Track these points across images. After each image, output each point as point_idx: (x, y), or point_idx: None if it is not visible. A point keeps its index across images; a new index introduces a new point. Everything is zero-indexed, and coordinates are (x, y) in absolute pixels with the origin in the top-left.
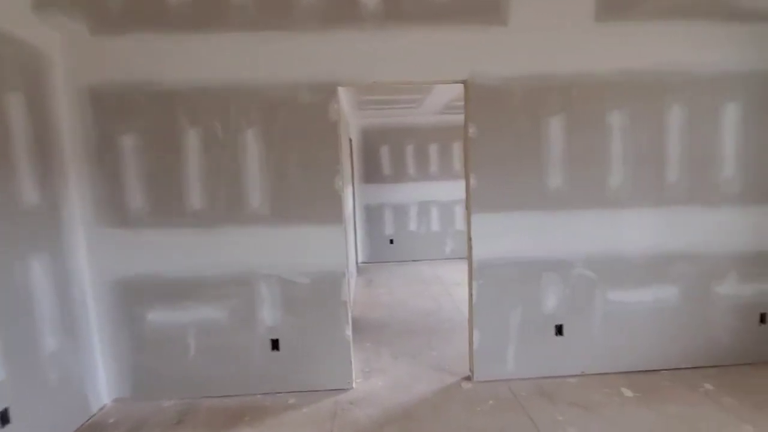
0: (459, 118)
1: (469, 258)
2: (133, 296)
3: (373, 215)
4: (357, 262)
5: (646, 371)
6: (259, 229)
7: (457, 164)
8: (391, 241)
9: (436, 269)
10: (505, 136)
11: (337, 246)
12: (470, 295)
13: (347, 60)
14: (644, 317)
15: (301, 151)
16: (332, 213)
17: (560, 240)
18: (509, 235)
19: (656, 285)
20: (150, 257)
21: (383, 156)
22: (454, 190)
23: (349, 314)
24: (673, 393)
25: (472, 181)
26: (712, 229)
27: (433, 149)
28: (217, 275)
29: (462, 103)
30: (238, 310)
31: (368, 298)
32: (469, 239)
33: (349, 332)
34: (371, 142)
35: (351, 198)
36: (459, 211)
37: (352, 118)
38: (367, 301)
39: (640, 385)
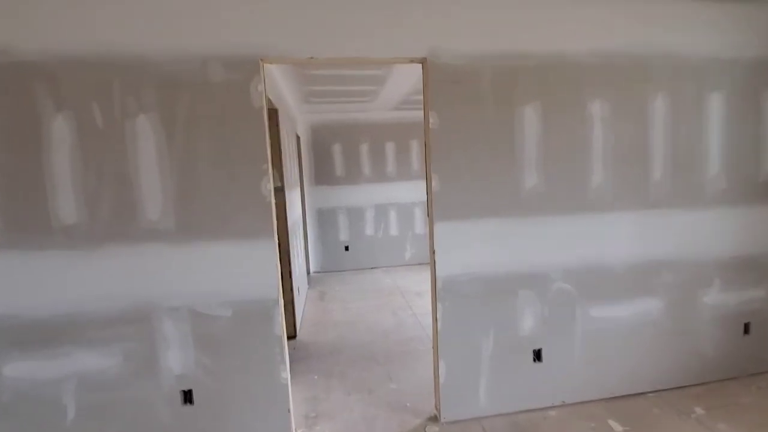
0: (417, 114)
1: (433, 275)
2: None
3: (325, 220)
4: (308, 272)
5: (631, 395)
6: (160, 247)
7: (416, 163)
8: (347, 248)
9: (395, 277)
10: (472, 127)
11: (267, 266)
12: (434, 319)
13: (275, 27)
14: (627, 334)
15: (215, 146)
16: (260, 225)
17: (537, 250)
18: (479, 246)
19: (639, 297)
20: (2, 291)
21: (335, 155)
22: (413, 191)
23: (286, 352)
24: (665, 423)
25: (435, 182)
26: (697, 232)
27: (389, 148)
28: (102, 310)
29: (420, 96)
30: (135, 354)
31: (320, 315)
32: (433, 252)
33: (286, 374)
34: (322, 140)
35: (299, 202)
36: (419, 214)
37: (299, 113)
38: (318, 320)
39: (627, 415)
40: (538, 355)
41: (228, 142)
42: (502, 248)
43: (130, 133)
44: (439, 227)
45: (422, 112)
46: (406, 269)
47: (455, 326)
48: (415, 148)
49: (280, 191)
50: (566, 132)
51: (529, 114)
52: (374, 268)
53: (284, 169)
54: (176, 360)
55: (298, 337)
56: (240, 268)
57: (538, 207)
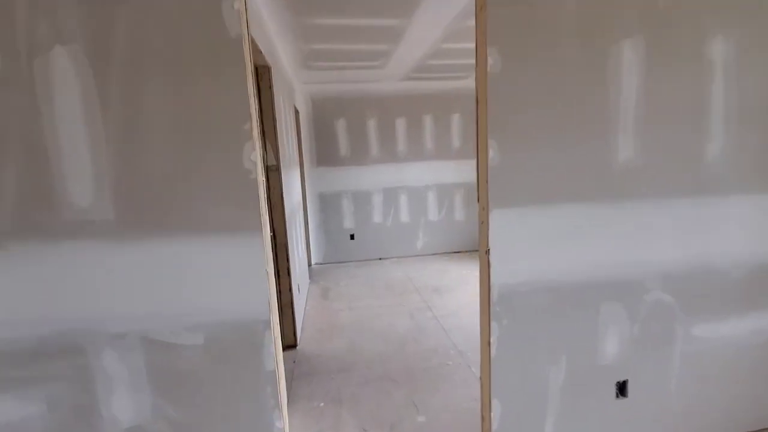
0: (431, 85)
1: (485, 284)
2: None
3: (328, 205)
4: (309, 264)
5: None
6: (94, 247)
7: (430, 142)
8: (352, 236)
9: (407, 270)
10: (547, 72)
11: (254, 273)
12: (486, 344)
13: None
14: (739, 358)
15: (173, 96)
16: (242, 213)
17: (630, 248)
18: (552, 243)
19: (758, 310)
20: None
21: (339, 132)
22: (426, 172)
23: (283, 391)
24: None
25: (492, 152)
26: None
27: (400, 124)
28: (15, 340)
29: (438, 62)
30: (64, 400)
31: (324, 317)
32: (486, 252)
33: (281, 423)
34: (324, 114)
35: (299, 185)
36: (432, 198)
37: (297, 81)
38: (322, 323)
39: None
40: (621, 389)
41: (192, 89)
42: (584, 245)
43: (43, 77)
44: (496, 217)
45: (438, 82)
46: (419, 260)
47: (515, 353)
48: (429, 124)
49: (275, 171)
50: (675, 81)
51: (627, 54)
52: (383, 258)
53: (280, 145)
54: (125, 407)
55: (299, 347)
56: (214, 277)
57: (633, 188)
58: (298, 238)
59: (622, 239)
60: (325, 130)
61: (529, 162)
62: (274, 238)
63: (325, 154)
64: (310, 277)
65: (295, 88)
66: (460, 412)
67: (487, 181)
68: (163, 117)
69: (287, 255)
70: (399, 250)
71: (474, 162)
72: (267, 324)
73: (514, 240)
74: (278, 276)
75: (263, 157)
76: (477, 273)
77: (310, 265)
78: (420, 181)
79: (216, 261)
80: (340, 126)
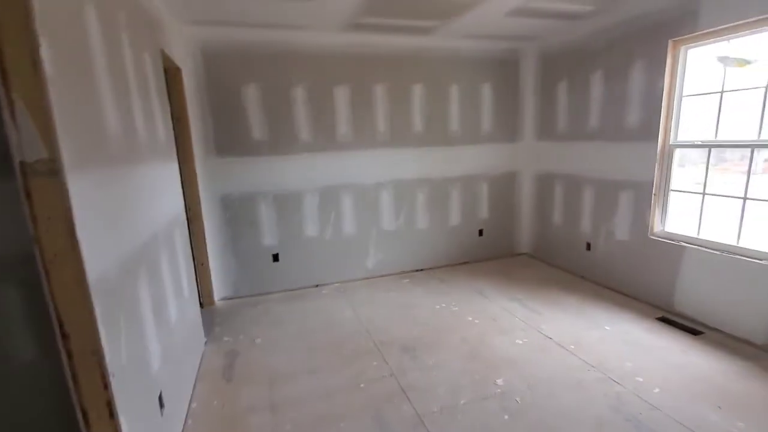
0: (385, 41)
1: None
2: None
3: (238, 214)
4: (211, 304)
5: None
6: None
7: (383, 122)
8: (275, 257)
9: (357, 305)
10: None
11: None
12: None
13: None
14: None
15: None
16: None
17: None
18: None
19: None
20: None
21: (249, 104)
22: (377, 165)
23: None
24: None
25: None
26: None
27: (341, 95)
28: None
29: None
30: None
31: None
32: None
33: None
34: (224, 75)
35: (174, 187)
36: (387, 200)
37: (169, 15)
38: None
39: None
40: None
41: None
42: None
43: None
44: None
45: (394, 36)
46: (371, 286)
47: None
48: (381, 96)
49: (48, 176)
50: None
51: None
52: (320, 285)
53: (73, 112)
54: None
55: None
56: None
57: None
58: (159, 301)
59: None
60: (226, 101)
61: None
62: (64, 336)
63: (230, 138)
64: (207, 331)
65: (166, 27)
66: None
67: None
68: None
69: (103, 376)
70: (342, 272)
71: (448, 150)
72: None
73: None
74: (87, 426)
75: (13, 137)
76: (456, 307)
77: (211, 304)
78: (370, 177)
79: None
80: (251, 95)
